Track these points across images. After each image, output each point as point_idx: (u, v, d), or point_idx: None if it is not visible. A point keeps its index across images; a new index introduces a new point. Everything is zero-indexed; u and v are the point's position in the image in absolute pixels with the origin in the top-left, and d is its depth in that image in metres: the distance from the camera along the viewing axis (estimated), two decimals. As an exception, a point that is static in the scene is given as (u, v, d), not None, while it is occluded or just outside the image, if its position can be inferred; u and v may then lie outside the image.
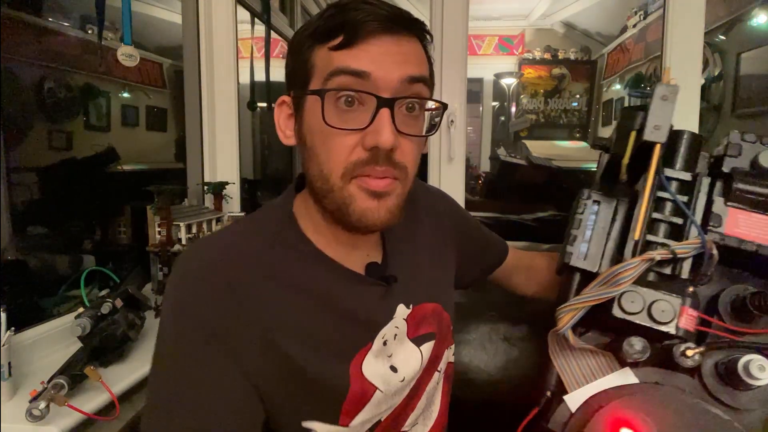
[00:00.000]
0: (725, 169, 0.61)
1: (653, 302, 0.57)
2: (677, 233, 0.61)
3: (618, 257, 0.64)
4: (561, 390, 0.63)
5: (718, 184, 0.62)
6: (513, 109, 5.03)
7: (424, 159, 1.52)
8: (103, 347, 0.94)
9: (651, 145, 0.59)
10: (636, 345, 0.58)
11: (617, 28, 4.16)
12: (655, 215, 0.61)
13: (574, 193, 0.71)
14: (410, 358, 0.65)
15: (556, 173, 2.36)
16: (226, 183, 1.53)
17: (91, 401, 0.85)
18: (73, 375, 0.84)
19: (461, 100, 1.50)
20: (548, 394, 0.65)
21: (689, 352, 0.56)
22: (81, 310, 0.96)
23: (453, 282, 0.80)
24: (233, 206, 1.58)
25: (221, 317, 0.53)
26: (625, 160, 0.61)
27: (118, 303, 1.01)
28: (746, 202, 0.60)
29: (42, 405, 0.77)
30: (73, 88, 1.91)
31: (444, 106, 0.60)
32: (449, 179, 1.51)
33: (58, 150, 1.81)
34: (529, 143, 4.19)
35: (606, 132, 4.56)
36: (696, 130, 1.41)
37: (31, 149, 1.65)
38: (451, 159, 1.51)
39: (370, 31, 0.51)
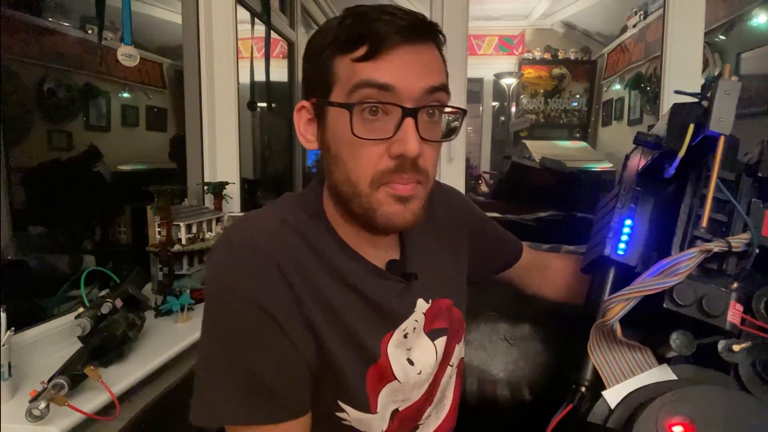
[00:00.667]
0: (762, 173, 0.62)
1: (704, 295, 0.56)
2: (718, 231, 0.61)
3: (659, 253, 0.64)
4: (595, 386, 0.63)
5: (754, 188, 0.63)
6: (513, 109, 5.03)
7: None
8: (103, 347, 0.94)
9: (709, 140, 0.60)
10: (681, 339, 0.57)
11: (617, 28, 4.17)
12: (699, 211, 0.62)
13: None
14: (426, 352, 0.68)
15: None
16: (226, 183, 1.53)
17: (91, 401, 0.85)
18: (73, 375, 0.84)
19: (461, 100, 1.50)
20: (582, 390, 0.64)
21: (736, 348, 0.56)
22: (81, 310, 0.96)
23: (465, 279, 0.81)
24: (233, 206, 1.58)
25: (273, 297, 0.55)
26: (682, 153, 0.61)
27: (118, 303, 1.01)
28: None
29: (42, 405, 0.77)
30: (73, 88, 1.91)
31: (463, 112, 0.62)
32: (449, 179, 1.51)
33: (58, 150, 1.81)
34: (529, 143, 4.19)
35: (605, 132, 4.56)
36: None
37: (31, 149, 1.65)
38: (451, 159, 1.51)
39: (393, 43, 0.53)
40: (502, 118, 5.36)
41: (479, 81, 5.12)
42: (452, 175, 1.51)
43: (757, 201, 0.62)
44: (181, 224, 1.30)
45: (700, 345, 0.58)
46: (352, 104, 0.54)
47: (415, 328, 0.66)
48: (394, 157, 0.54)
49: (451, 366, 0.74)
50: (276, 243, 0.57)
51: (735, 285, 0.59)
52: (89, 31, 1.90)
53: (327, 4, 3.19)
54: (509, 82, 4.96)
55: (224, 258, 0.58)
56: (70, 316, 0.99)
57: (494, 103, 5.34)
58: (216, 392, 0.55)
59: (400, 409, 0.65)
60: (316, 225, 0.62)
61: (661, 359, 0.61)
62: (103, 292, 1.24)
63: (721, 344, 0.57)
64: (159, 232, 1.28)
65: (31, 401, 0.78)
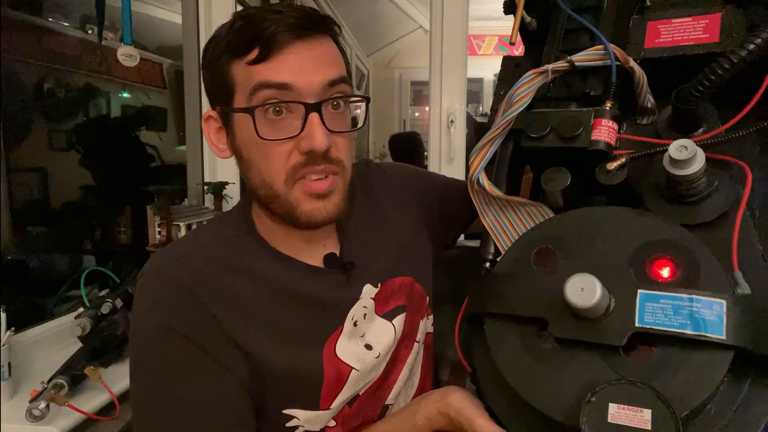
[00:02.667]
0: None
1: (560, 120, 0.51)
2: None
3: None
4: (498, 255, 0.59)
5: (637, 6, 0.56)
6: (513, 109, 5.02)
7: (424, 159, 1.53)
8: (103, 347, 0.94)
9: None
10: (553, 176, 0.51)
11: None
12: (565, 47, 0.57)
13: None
14: (383, 333, 0.67)
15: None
16: (226, 183, 1.53)
17: (91, 401, 0.85)
18: (73, 375, 0.84)
19: (461, 100, 1.50)
20: (487, 265, 0.60)
21: (609, 166, 0.49)
22: (81, 310, 0.96)
23: (429, 252, 0.79)
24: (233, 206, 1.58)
25: (189, 322, 0.54)
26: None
27: (118, 303, 1.01)
28: (666, 9, 0.54)
29: (42, 405, 0.77)
30: (73, 88, 1.91)
31: (367, 99, 0.62)
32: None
33: (58, 150, 1.81)
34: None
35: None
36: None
37: (32, 149, 1.65)
38: (452, 159, 1.51)
39: (284, 41, 0.53)
40: (502, 118, 5.35)
41: (479, 81, 5.12)
42: (452, 175, 1.51)
43: (638, 17, 0.55)
44: (181, 224, 1.30)
45: (599, 184, 0.50)
46: (253, 108, 0.54)
47: (365, 315, 0.65)
48: (304, 152, 0.55)
49: (418, 342, 0.73)
50: (185, 267, 0.56)
51: (608, 105, 0.51)
52: (89, 31, 1.90)
53: (327, 4, 3.20)
54: (509, 82, 4.95)
55: (139, 292, 0.58)
56: (70, 316, 0.99)
57: (494, 103, 5.33)
58: (153, 425, 0.54)
59: (360, 393, 0.65)
60: (243, 240, 0.62)
61: (558, 208, 0.55)
62: (103, 292, 1.24)
63: (597, 170, 0.50)
64: (159, 232, 1.28)
65: (31, 401, 0.78)
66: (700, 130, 0.49)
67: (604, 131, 0.50)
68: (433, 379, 0.78)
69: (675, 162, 0.43)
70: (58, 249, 1.56)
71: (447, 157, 1.50)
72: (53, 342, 1.03)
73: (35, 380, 0.86)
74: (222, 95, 0.58)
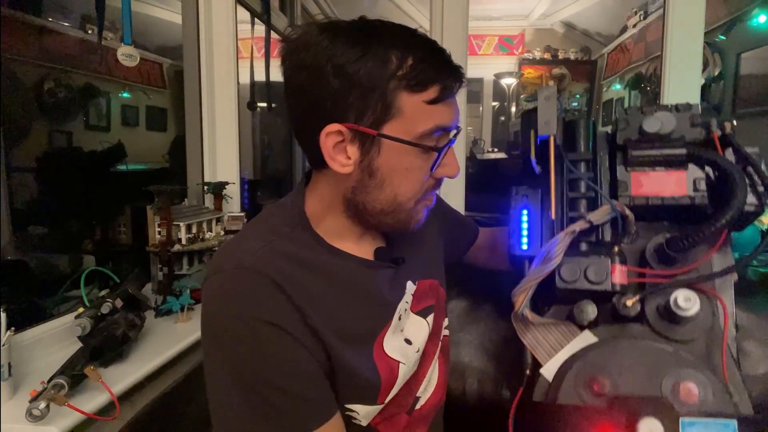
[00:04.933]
0: (619, 141, 0.70)
1: (587, 267, 0.64)
2: (595, 206, 0.70)
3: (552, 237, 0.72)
4: (537, 366, 0.70)
5: (619, 157, 0.70)
6: (513, 109, 5.03)
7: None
8: (103, 347, 0.94)
9: (547, 138, 0.70)
10: (585, 308, 0.66)
11: (617, 28, 4.16)
12: (573, 194, 0.70)
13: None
14: (419, 328, 0.73)
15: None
16: (226, 183, 1.53)
17: (91, 401, 0.85)
18: (73, 375, 0.84)
19: (461, 100, 1.50)
20: (528, 372, 0.71)
21: (629, 302, 0.64)
22: (81, 310, 0.96)
23: (443, 261, 0.86)
24: (233, 206, 1.58)
25: (281, 313, 0.57)
26: (533, 155, 0.72)
27: (118, 303, 1.01)
28: (643, 164, 0.68)
29: (42, 405, 0.77)
30: (73, 88, 1.91)
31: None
32: (449, 179, 1.51)
33: (58, 150, 1.81)
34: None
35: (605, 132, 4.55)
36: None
37: (32, 149, 1.65)
38: (451, 159, 1.51)
39: (455, 89, 0.61)
40: (502, 118, 5.36)
41: (479, 81, 5.12)
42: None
43: (621, 167, 0.69)
44: (181, 224, 1.30)
45: (612, 306, 0.66)
46: (440, 147, 0.61)
47: (406, 309, 0.71)
48: (438, 177, 0.65)
49: (440, 341, 0.80)
50: (265, 261, 0.58)
51: (616, 249, 0.66)
52: (89, 31, 1.90)
53: (327, 4, 3.20)
54: (509, 82, 4.96)
55: (220, 286, 0.58)
56: (70, 316, 0.99)
57: (494, 103, 5.34)
58: (254, 422, 0.56)
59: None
60: (299, 235, 0.64)
61: (583, 327, 0.68)
62: (103, 292, 1.24)
63: (617, 303, 0.64)
64: (159, 232, 1.28)
65: (31, 401, 0.78)
66: (678, 264, 0.67)
67: (620, 275, 0.64)
68: (446, 379, 0.83)
69: (679, 307, 0.60)
70: (58, 249, 1.56)
71: (447, 157, 1.50)
72: (53, 342, 1.02)
73: (35, 380, 0.86)
74: (365, 114, 0.57)
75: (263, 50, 2.05)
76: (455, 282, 0.97)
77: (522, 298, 0.67)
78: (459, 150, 1.51)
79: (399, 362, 0.66)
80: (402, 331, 0.69)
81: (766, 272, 1.09)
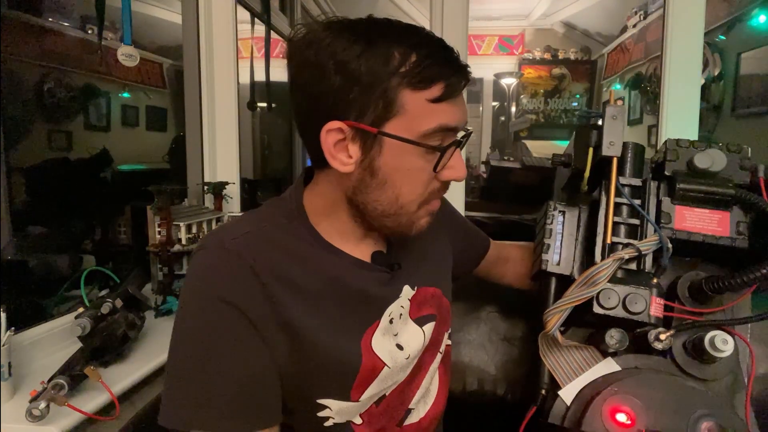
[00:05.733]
0: (667, 172, 0.69)
1: (627, 296, 0.64)
2: (635, 233, 0.69)
3: (588, 259, 0.71)
4: (554, 387, 0.69)
5: (663, 186, 0.69)
6: (513, 109, 5.03)
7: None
8: (103, 347, 0.94)
9: (608, 159, 0.69)
10: (616, 336, 0.65)
11: (617, 28, 4.16)
12: (615, 219, 0.69)
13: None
14: (414, 336, 0.70)
15: (553, 172, 2.35)
16: (226, 183, 1.53)
17: (91, 401, 0.85)
18: (73, 375, 0.84)
19: (461, 100, 1.50)
20: (543, 392, 0.70)
21: (662, 336, 0.63)
22: (81, 310, 0.96)
23: (450, 271, 0.83)
24: (233, 206, 1.58)
25: (246, 297, 0.56)
26: (587, 174, 0.71)
27: (118, 303, 1.01)
28: (689, 200, 0.68)
29: (42, 405, 0.77)
30: (73, 88, 1.91)
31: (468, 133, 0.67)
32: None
33: (58, 150, 1.81)
34: (529, 143, 4.19)
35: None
36: (696, 131, 1.41)
37: (32, 149, 1.65)
38: (451, 159, 1.51)
39: (461, 87, 0.59)
40: (502, 118, 5.36)
41: (479, 81, 5.12)
42: (452, 175, 1.51)
43: (667, 199, 0.68)
44: (181, 224, 1.30)
45: (639, 335, 0.65)
46: (444, 147, 0.58)
47: (401, 315, 0.68)
48: (444, 180, 0.62)
49: (441, 353, 0.77)
50: (248, 245, 0.59)
51: (655, 280, 0.66)
52: (89, 31, 1.90)
53: (327, 4, 3.19)
54: (509, 82, 4.96)
55: (198, 262, 0.59)
56: (70, 316, 0.99)
57: (494, 103, 5.34)
58: (185, 393, 0.56)
59: (386, 394, 0.67)
60: (296, 228, 0.64)
61: (605, 353, 0.68)
62: (103, 292, 1.25)
63: (650, 335, 0.64)
64: (159, 232, 1.28)
65: (31, 401, 0.78)
66: (708, 303, 0.67)
67: (657, 307, 0.64)
68: (447, 390, 0.80)
69: (716, 348, 0.61)
70: (58, 249, 1.56)
71: (447, 157, 1.50)
72: (53, 342, 1.02)
73: (35, 380, 0.85)
74: (371, 113, 0.56)
75: (263, 50, 2.05)
76: (455, 282, 0.96)
77: (556, 319, 0.66)
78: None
79: (384, 364, 0.65)
80: (396, 335, 0.68)
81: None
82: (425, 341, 0.71)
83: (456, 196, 1.51)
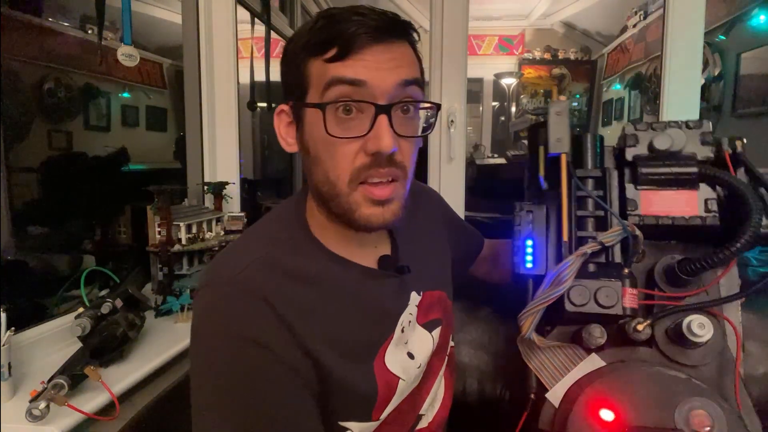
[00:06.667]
0: (628, 158, 0.68)
1: (597, 290, 0.63)
2: (604, 224, 0.67)
3: (559, 257, 0.70)
4: (542, 390, 0.68)
5: (627, 173, 0.68)
6: (513, 109, 5.03)
7: (424, 159, 1.53)
8: (103, 347, 0.94)
9: (559, 155, 0.67)
10: (594, 332, 0.64)
11: (617, 28, 4.16)
12: (581, 213, 0.68)
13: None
14: (424, 343, 0.69)
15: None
16: (226, 183, 1.53)
17: (91, 401, 0.85)
18: (73, 375, 0.84)
19: (461, 100, 1.50)
20: (532, 396, 0.69)
21: (639, 327, 0.62)
22: (81, 310, 0.96)
23: (451, 272, 0.82)
24: (233, 206, 1.58)
25: (266, 331, 0.54)
26: (542, 173, 0.70)
27: (118, 303, 1.01)
28: (653, 183, 0.66)
29: (42, 405, 0.77)
30: (73, 88, 1.91)
31: (437, 106, 0.63)
32: (449, 179, 1.51)
33: (58, 150, 1.81)
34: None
35: (605, 132, 4.56)
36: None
37: (32, 149, 1.65)
38: (451, 159, 1.51)
39: (363, 42, 0.53)
40: (502, 118, 5.35)
41: (479, 81, 5.11)
42: (452, 175, 1.51)
43: (630, 185, 0.67)
44: (181, 224, 1.30)
45: (620, 328, 0.64)
46: (325, 104, 0.54)
47: (410, 321, 0.67)
48: (370, 153, 0.55)
49: (447, 356, 0.77)
50: (256, 277, 0.56)
51: (626, 271, 0.64)
52: (89, 31, 1.90)
53: (327, 4, 3.19)
54: (509, 82, 4.95)
55: (207, 301, 0.57)
56: (70, 316, 0.99)
57: (494, 103, 5.33)
58: None
59: (399, 402, 0.66)
60: (299, 242, 0.62)
61: (589, 350, 0.66)
62: (103, 292, 1.25)
63: (628, 327, 0.62)
64: (159, 232, 1.28)
65: (31, 401, 0.78)
66: (687, 286, 0.65)
67: (631, 298, 0.63)
68: (452, 392, 0.80)
69: (693, 333, 0.59)
70: (58, 249, 1.56)
71: (447, 156, 1.50)
72: (53, 342, 1.02)
73: (35, 380, 0.86)
74: (296, 90, 0.59)
75: (263, 50, 2.05)
76: (454, 281, 0.97)
77: (529, 322, 0.65)
78: (457, 152, 1.51)
79: (399, 378, 0.63)
80: (406, 344, 0.66)
81: (765, 272, 1.10)
82: (434, 346, 0.71)
83: (456, 196, 1.51)
